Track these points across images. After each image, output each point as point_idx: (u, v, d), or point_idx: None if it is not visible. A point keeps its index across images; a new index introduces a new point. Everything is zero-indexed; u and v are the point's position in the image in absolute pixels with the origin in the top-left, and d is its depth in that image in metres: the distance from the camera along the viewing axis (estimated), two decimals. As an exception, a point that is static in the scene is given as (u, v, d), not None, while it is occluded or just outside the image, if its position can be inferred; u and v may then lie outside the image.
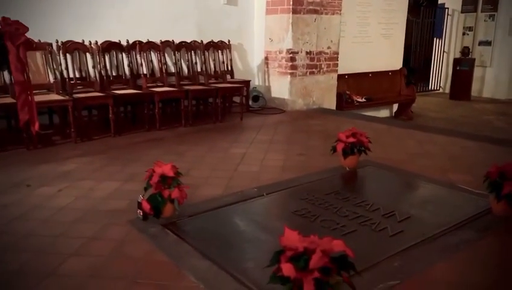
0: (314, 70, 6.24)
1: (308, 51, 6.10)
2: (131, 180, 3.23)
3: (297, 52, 6.01)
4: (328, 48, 6.33)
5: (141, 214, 2.53)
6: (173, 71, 5.44)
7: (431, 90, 11.51)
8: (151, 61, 5.33)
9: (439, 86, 11.54)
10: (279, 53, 6.11)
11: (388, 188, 3.27)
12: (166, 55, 5.42)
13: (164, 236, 2.36)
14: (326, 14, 6.18)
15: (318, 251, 1.60)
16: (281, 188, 3.11)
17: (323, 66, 6.33)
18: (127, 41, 5.11)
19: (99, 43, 4.86)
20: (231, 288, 1.88)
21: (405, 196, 3.12)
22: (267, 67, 6.36)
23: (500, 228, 2.49)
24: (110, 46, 4.94)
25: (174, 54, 5.38)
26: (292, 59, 5.97)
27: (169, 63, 5.48)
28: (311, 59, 6.17)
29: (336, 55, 6.45)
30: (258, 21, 6.36)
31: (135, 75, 5.17)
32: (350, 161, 3.50)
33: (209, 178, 3.33)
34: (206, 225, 2.54)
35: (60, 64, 4.65)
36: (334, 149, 3.48)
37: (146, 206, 2.47)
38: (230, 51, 6.01)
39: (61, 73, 4.65)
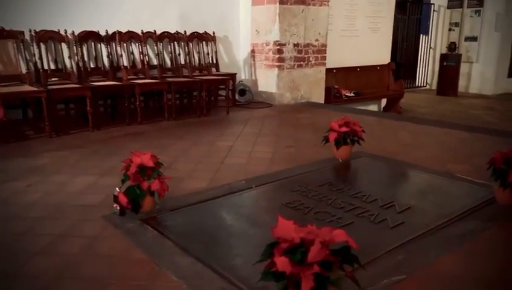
0: (302, 63, 6.05)
1: (295, 43, 5.91)
2: (108, 175, 2.99)
3: (284, 44, 5.81)
4: (316, 40, 6.15)
5: (118, 208, 2.29)
6: (155, 63, 5.20)
7: (418, 86, 11.45)
8: (132, 52, 5.07)
9: (426, 83, 11.50)
10: (266, 45, 5.91)
11: (384, 179, 3.09)
12: (148, 46, 5.17)
13: (143, 232, 2.13)
14: (314, 5, 6.00)
15: (317, 242, 1.39)
16: (271, 180, 2.90)
17: (311, 58, 6.15)
18: (106, 32, 4.85)
19: (76, 33, 4.59)
20: (217, 287, 1.66)
21: (403, 186, 2.95)
22: (254, 60, 6.16)
23: (506, 218, 2.32)
24: (87, 36, 4.67)
25: (156, 45, 5.13)
26: (279, 51, 5.78)
27: (151, 54, 5.24)
28: (299, 51, 5.99)
29: (324, 48, 6.28)
30: (243, 12, 6.15)
31: (115, 67, 4.90)
32: (343, 152, 3.31)
33: (194, 171, 3.11)
34: (190, 219, 2.32)
35: (34, 55, 4.36)
36: (326, 139, 3.29)
37: (123, 199, 2.24)
38: (215, 43, 5.79)
39: (35, 64, 4.37)
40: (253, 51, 6.14)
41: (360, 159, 3.38)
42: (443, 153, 3.57)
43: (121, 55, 4.86)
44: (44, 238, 2.06)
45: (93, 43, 4.78)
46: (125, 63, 4.93)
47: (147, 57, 5.07)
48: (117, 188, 2.29)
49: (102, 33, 4.82)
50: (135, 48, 5.06)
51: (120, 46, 4.87)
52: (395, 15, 8.35)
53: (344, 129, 3.23)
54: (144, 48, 5.03)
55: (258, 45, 6.05)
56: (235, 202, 2.55)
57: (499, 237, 2.15)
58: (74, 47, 4.59)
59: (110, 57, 4.84)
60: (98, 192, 2.67)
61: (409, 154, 3.54)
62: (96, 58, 4.82)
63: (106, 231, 2.15)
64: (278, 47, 5.76)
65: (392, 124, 4.76)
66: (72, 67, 4.56)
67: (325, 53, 6.32)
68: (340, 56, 7.09)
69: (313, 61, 6.19)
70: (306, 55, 6.08)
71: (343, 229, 1.46)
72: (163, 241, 2.05)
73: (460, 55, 10.25)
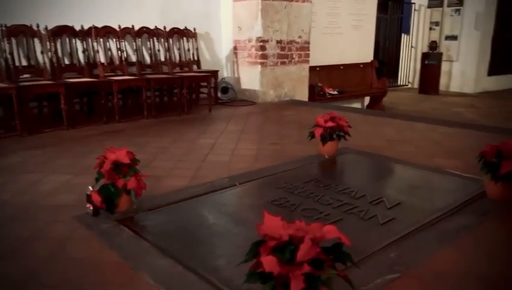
0: (285, 60, 5.95)
1: (278, 39, 5.81)
2: (83, 173, 2.81)
3: (267, 41, 5.70)
4: (299, 37, 6.06)
5: (91, 208, 2.13)
6: (134, 60, 5.02)
7: (400, 85, 11.49)
8: (110, 49, 4.88)
9: (408, 81, 11.55)
10: (249, 42, 5.78)
11: (372, 175, 3.00)
12: (126, 42, 4.99)
13: (118, 233, 1.98)
14: (297, 1, 5.91)
15: (307, 239, 1.27)
16: (255, 177, 2.78)
17: (294, 56, 6.05)
18: (82, 27, 4.66)
19: (49, 28, 4.38)
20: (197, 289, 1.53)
21: (392, 182, 2.85)
22: (236, 57, 6.03)
23: (499, 212, 2.24)
24: (61, 31, 4.47)
25: (135, 41, 4.96)
26: (262, 48, 5.66)
27: (130, 51, 5.06)
28: (282, 48, 5.88)
29: (307, 45, 6.19)
30: (225, 8, 6.02)
31: (91, 63, 4.71)
32: (329, 148, 3.21)
33: (174, 169, 2.96)
34: (169, 218, 2.18)
35: (5, 50, 4.14)
36: (312, 135, 3.18)
37: (96, 198, 2.08)
38: (196, 40, 5.64)
39: (6, 59, 4.15)
40: (235, 48, 6.01)
41: (347, 155, 3.29)
42: (430, 148, 3.51)
43: (97, 51, 4.67)
44: (12, 241, 1.89)
45: (67, 39, 4.58)
46: (102, 59, 4.74)
47: (125, 53, 4.90)
48: (90, 187, 2.14)
49: (78, 28, 4.62)
50: (112, 44, 4.87)
51: (96, 42, 4.68)
52: (377, 14, 8.34)
53: (330, 124, 3.13)
54: (122, 44, 4.85)
55: (240, 41, 5.93)
56: (217, 200, 2.42)
57: (494, 232, 2.07)
58: (47, 42, 4.38)
59: (86, 53, 4.65)
60: (71, 191, 2.50)
61: (395, 149, 3.46)
62: (71, 55, 4.62)
63: (78, 232, 1.99)
64: (261, 44, 5.65)
65: (377, 121, 4.69)
66: (44, 64, 4.35)
67: (309, 50, 6.23)
68: (324, 54, 7.02)
69: (297, 59, 6.10)
70: (289, 52, 5.98)
71: (333, 225, 1.35)
72: (140, 242, 1.90)
73: (441, 53, 10.31)
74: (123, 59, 4.84)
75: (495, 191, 2.34)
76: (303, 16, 6.04)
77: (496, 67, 10.66)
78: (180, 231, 2.03)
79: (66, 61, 4.60)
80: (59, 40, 4.49)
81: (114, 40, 4.84)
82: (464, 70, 10.43)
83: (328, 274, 1.29)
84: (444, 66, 10.43)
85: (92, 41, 4.68)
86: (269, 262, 1.23)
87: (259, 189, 2.64)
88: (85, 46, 4.64)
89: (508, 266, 1.75)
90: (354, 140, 3.48)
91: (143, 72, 4.95)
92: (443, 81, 10.53)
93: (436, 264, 1.72)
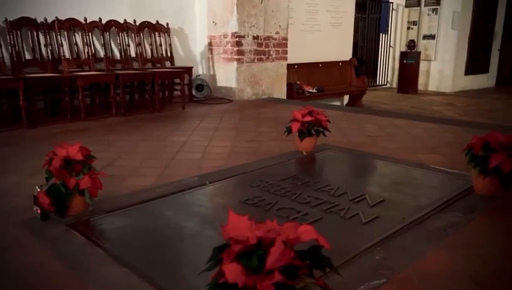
0: (262, 56, 5.76)
1: (255, 35, 5.61)
2: (38, 174, 2.53)
3: (243, 36, 5.50)
4: (277, 33, 5.88)
5: (38, 212, 1.88)
6: (103, 56, 4.75)
7: (378, 85, 11.45)
8: (76, 43, 4.60)
9: (387, 81, 11.52)
10: (224, 37, 5.57)
11: (353, 171, 2.83)
12: (94, 37, 4.72)
13: (67, 239, 1.74)
14: (274, -4, 5.74)
15: (279, 241, 1.07)
16: (227, 175, 2.56)
17: (272, 52, 5.87)
18: (45, 19, 4.36)
19: (8, 20, 4.08)
20: (154, 305, 1.31)
21: (374, 178, 2.68)
22: (211, 53, 5.81)
23: (488, 208, 2.09)
24: (21, 23, 4.17)
25: (103, 35, 4.68)
26: (238, 44, 5.46)
27: (98, 47, 4.78)
28: (259, 44, 5.69)
29: (285, 42, 6.02)
30: (199, 2, 5.79)
31: (56, 59, 4.42)
32: (307, 144, 3.02)
33: (140, 168, 2.72)
34: (130, 222, 1.94)
35: (-42, 43, 3.84)
36: (289, 130, 2.99)
37: (44, 200, 1.83)
38: (169, 35, 5.40)
39: (-41, 53, 3.84)
40: (210, 44, 5.79)
41: (326, 152, 3.11)
42: (412, 144, 3.36)
43: (62, 45, 4.38)
44: None
45: (29, 32, 4.28)
46: (67, 53, 4.45)
47: (92, 48, 4.62)
48: (37, 187, 1.89)
49: (41, 20, 4.32)
50: (79, 38, 4.59)
51: (60, 35, 4.39)
52: (355, 14, 8.24)
53: (308, 119, 2.95)
54: (87, 38, 4.57)
55: (215, 37, 5.71)
56: (185, 201, 2.20)
57: (484, 229, 1.90)
58: (7, 35, 4.07)
59: (50, 47, 4.36)
60: (21, 194, 2.24)
61: (376, 145, 3.30)
62: (33, 49, 4.32)
63: (21, 240, 1.74)
64: (237, 39, 5.44)
65: (356, 117, 4.54)
66: (3, 58, 4.04)
67: (286, 47, 6.06)
68: (302, 51, 6.86)
69: (274, 55, 5.91)
70: (266, 49, 5.79)
71: (310, 225, 1.15)
72: (92, 249, 1.67)
73: (419, 52, 10.30)
74: (90, 54, 4.56)
75: (483, 186, 2.19)
76: (280, 11, 5.86)
77: (472, 67, 10.72)
78: (141, 235, 1.80)
79: (28, 56, 4.31)
80: (19, 33, 4.18)
81: (80, 33, 4.56)
82: (442, 70, 10.45)
83: (303, 283, 1.09)
84: (422, 66, 10.43)
85: (55, 35, 4.39)
86: (232, 271, 1.02)
87: (232, 188, 2.43)
88: (48, 39, 4.35)
89: (500, 265, 1.59)
90: (334, 136, 3.32)
91: (112, 68, 4.69)
92: (421, 80, 10.52)
93: (425, 266, 1.54)
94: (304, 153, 3.03)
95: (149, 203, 2.13)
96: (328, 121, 3.02)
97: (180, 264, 1.58)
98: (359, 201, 2.14)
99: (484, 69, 11.22)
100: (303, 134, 2.97)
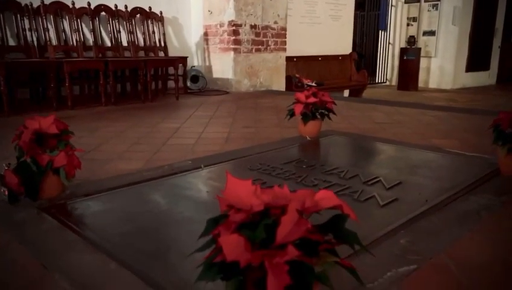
0: (260, 47, 5.52)
1: (252, 24, 5.38)
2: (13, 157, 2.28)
3: (240, 25, 5.26)
4: (275, 22, 5.64)
5: (6, 193, 1.62)
6: (92, 43, 4.49)
7: (378, 83, 11.23)
8: (64, 30, 4.34)
9: (386, 79, 11.30)
10: (220, 26, 5.33)
11: (363, 155, 2.58)
12: (83, 24, 4.46)
13: (37, 223, 1.48)
14: (272, -16, 5.51)
15: (292, 209, 0.82)
16: (224, 159, 2.31)
17: (270, 43, 5.63)
18: (30, 3, 4.10)
19: (-10, 2, 3.83)
20: (133, 296, 1.05)
21: (387, 161, 2.42)
22: (207, 44, 5.56)
23: (520, 191, 1.84)
24: (4, 6, 3.91)
25: (92, 21, 4.43)
26: (235, 32, 5.22)
27: (88, 34, 4.52)
28: (257, 34, 5.45)
29: (283, 32, 5.78)
30: (194, -10, 5.56)
31: (42, 45, 4.16)
32: (311, 128, 2.77)
33: (127, 152, 2.46)
34: (111, 206, 1.68)
35: None
36: (292, 113, 2.75)
37: (12, 179, 1.57)
38: (163, 24, 5.15)
39: None
40: (206, 34, 5.55)
41: (332, 137, 2.86)
42: (424, 130, 3.12)
43: (47, 30, 4.12)
44: None
45: (13, 16, 4.02)
46: (55, 41, 4.19)
47: (81, 34, 4.36)
48: (4, 165, 1.63)
49: (25, 3, 4.06)
50: (66, 24, 4.33)
51: (46, 20, 4.13)
52: (354, 12, 8.02)
53: (312, 100, 2.70)
54: (76, 23, 4.31)
55: (211, 26, 5.46)
56: (176, 184, 1.94)
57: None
58: (-12, 18, 3.82)
59: (36, 33, 4.10)
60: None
61: (386, 131, 3.06)
62: (17, 34, 4.06)
63: (-18, 224, 1.48)
64: (234, 28, 5.20)
65: (361, 106, 4.30)
66: (-16, 42, 3.79)
67: (285, 37, 5.82)
68: (301, 44, 6.63)
69: (272, 46, 5.67)
70: (264, 39, 5.55)
71: (330, 190, 0.90)
72: (64, 234, 1.41)
73: (420, 49, 10.10)
74: (78, 40, 4.30)
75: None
76: (279, 0, 5.63)
77: (473, 64, 10.53)
78: (124, 220, 1.54)
79: (12, 42, 4.04)
80: (2, 17, 3.92)
81: (67, 18, 4.30)
82: (443, 66, 10.25)
83: (325, 263, 0.83)
84: (423, 62, 10.21)
85: (41, 20, 4.14)
86: (232, 245, 0.77)
87: (229, 171, 2.17)
88: (34, 25, 4.09)
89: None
90: (339, 124, 3.09)
91: (103, 56, 4.43)
92: (422, 77, 10.31)
93: (461, 252, 1.29)
94: (308, 138, 2.78)
95: (134, 186, 1.88)
96: (334, 103, 2.78)
97: (167, 251, 1.32)
98: (373, 183, 1.89)
99: (485, 66, 11.03)
100: (307, 117, 2.72)
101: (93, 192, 1.78)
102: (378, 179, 1.94)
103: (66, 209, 1.63)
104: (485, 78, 11.10)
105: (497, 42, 11.16)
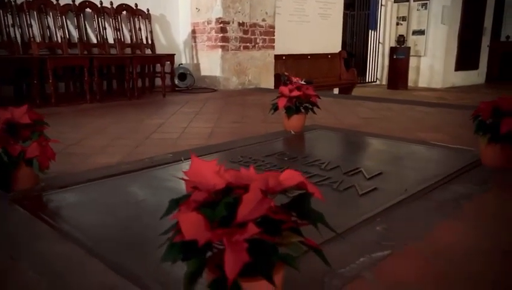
0: (248, 44, 5.50)
1: (240, 22, 5.36)
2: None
3: (228, 23, 5.24)
4: (263, 20, 5.63)
5: (-23, 185, 1.59)
6: (77, 40, 4.44)
7: (368, 82, 11.26)
8: (48, 26, 4.29)
9: (376, 78, 11.34)
10: (208, 24, 5.31)
11: (346, 148, 2.57)
12: (68, 21, 4.41)
13: (8, 214, 1.45)
14: (260, -19, 5.49)
15: (255, 187, 0.80)
16: (207, 152, 2.29)
17: (258, 40, 5.61)
18: (14, 0, 4.05)
19: (-28, -2, 3.78)
20: (97, 283, 1.02)
21: (369, 154, 2.42)
22: (195, 41, 5.53)
23: (499, 180, 1.84)
24: (-13, 2, 3.86)
25: (77, 18, 4.38)
26: (223, 30, 5.19)
27: (73, 31, 4.47)
28: (245, 32, 5.43)
29: (272, 30, 5.77)
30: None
31: (26, 42, 4.11)
32: (295, 122, 2.76)
33: (108, 147, 2.43)
34: (87, 197, 1.65)
35: None
36: (275, 107, 2.73)
37: (-17, 171, 1.54)
38: (150, 22, 5.11)
39: None
40: (194, 32, 5.52)
41: (316, 131, 2.85)
42: (411, 124, 3.12)
43: (31, 26, 4.07)
44: None
45: (-5, 12, 3.97)
46: (39, 38, 4.14)
47: (66, 31, 4.31)
48: (-25, 156, 1.59)
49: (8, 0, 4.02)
50: (51, 21, 4.28)
51: (30, 17, 4.08)
52: (344, 11, 8.03)
53: (296, 93, 2.69)
54: (60, 20, 4.26)
55: (199, 24, 5.44)
56: (155, 176, 1.91)
57: (498, 201, 1.65)
58: (-30, 14, 3.77)
59: (20, 30, 4.05)
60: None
61: (372, 126, 3.06)
62: (0, 31, 4.00)
63: (-49, 215, 1.44)
64: (221, 25, 5.18)
65: (349, 103, 4.29)
66: (-35, 38, 3.73)
67: (273, 35, 5.81)
68: (290, 42, 6.62)
69: (261, 44, 5.66)
70: (253, 36, 5.54)
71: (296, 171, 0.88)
72: (36, 225, 1.38)
73: (409, 48, 10.15)
74: (63, 37, 4.26)
75: (493, 156, 1.95)
76: (267, -3, 5.62)
77: (462, 63, 10.60)
78: (99, 212, 1.51)
79: (-4, 39, 3.99)
80: (-16, 13, 3.88)
81: (52, 15, 4.25)
82: (432, 65, 10.30)
83: (289, 243, 0.81)
84: (412, 62, 10.26)
85: (25, 16, 4.09)
86: (190, 224, 0.75)
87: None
88: (18, 21, 4.04)
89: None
90: (324, 119, 3.09)
91: (89, 54, 4.38)
92: (411, 76, 10.35)
93: (437, 238, 1.28)
94: (292, 132, 2.76)
95: (112, 178, 1.85)
96: (318, 97, 2.77)
97: (140, 240, 1.29)
98: (354, 174, 1.88)
99: (474, 65, 11.11)
100: (291, 110, 2.71)
101: (69, 184, 1.75)
102: (359, 169, 1.93)
103: (40, 201, 1.60)
104: (474, 77, 11.18)
105: (485, 41, 11.24)
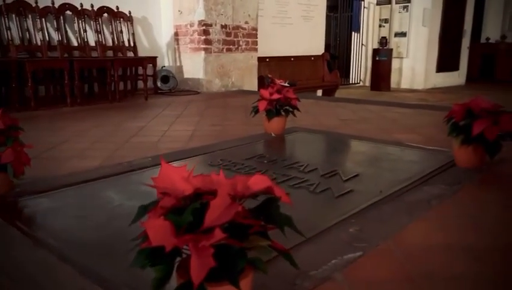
0: (231, 47, 5.51)
1: (223, 24, 5.37)
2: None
3: (211, 25, 5.24)
4: (246, 22, 5.65)
5: (-50, 191, 1.57)
6: (57, 42, 4.39)
7: (351, 83, 11.37)
8: (27, 29, 4.24)
9: (360, 80, 11.45)
10: (191, 26, 5.30)
11: (325, 150, 2.60)
12: (48, 23, 4.36)
13: (-21, 221, 1.43)
14: (242, -16, 5.51)
15: (222, 192, 0.81)
16: (186, 156, 2.29)
17: (241, 42, 5.63)
18: (-9, 2, 4.00)
19: None
20: (70, 286, 1.02)
21: (347, 155, 2.45)
22: (178, 44, 5.52)
23: (472, 180, 1.89)
24: (-37, 4, 3.80)
25: (57, 20, 4.33)
26: (205, 32, 5.19)
27: (53, 34, 4.42)
28: (228, 34, 5.44)
29: (254, 32, 5.79)
30: (164, -10, 5.51)
31: (5, 45, 4.05)
32: (276, 125, 2.78)
33: (86, 150, 2.41)
34: (63, 203, 1.64)
35: None
36: (256, 110, 2.75)
37: (-45, 177, 1.52)
38: (132, 24, 5.08)
39: None
40: (176, 34, 5.51)
41: (296, 133, 2.87)
42: (388, 125, 3.17)
43: (9, 29, 4.01)
44: None
45: (-28, 14, 3.91)
46: (18, 41, 4.09)
47: (46, 34, 4.26)
48: None
49: (-15, 2, 3.96)
50: (30, 24, 4.23)
51: (8, 19, 4.02)
52: (327, 14, 8.09)
53: (276, 96, 2.71)
54: (39, 23, 4.21)
55: (181, 26, 5.43)
56: (133, 180, 1.91)
57: (470, 201, 1.69)
58: None
59: (-3, 32, 3.99)
60: None
61: (350, 127, 3.10)
62: (-22, 33, 3.95)
63: None
64: (204, 27, 5.18)
65: (329, 105, 4.34)
66: None
67: (256, 38, 5.83)
68: (273, 45, 6.64)
69: (244, 46, 5.68)
70: (235, 39, 5.55)
71: (265, 175, 0.90)
72: (6, 231, 1.37)
73: (392, 49, 10.28)
74: (42, 40, 4.21)
75: (466, 156, 1.99)
76: (249, 0, 5.64)
77: (443, 64, 10.77)
78: (73, 216, 1.51)
79: (-28, 42, 3.93)
80: (-40, 15, 3.81)
81: (31, 17, 4.20)
82: (414, 67, 10.45)
83: (257, 247, 0.83)
84: (395, 63, 10.40)
85: (3, 19, 4.03)
86: (157, 230, 0.76)
87: (190, 167, 2.15)
88: (-5, 24, 3.98)
89: (490, 236, 1.36)
90: (304, 120, 3.11)
91: (69, 56, 4.34)
92: (394, 78, 10.49)
93: (407, 238, 1.31)
94: (273, 134, 2.78)
95: (89, 183, 1.84)
96: (298, 100, 2.80)
97: (114, 244, 1.29)
98: (331, 176, 1.91)
99: (454, 67, 11.30)
100: (271, 113, 2.73)
101: (45, 189, 1.73)
102: (336, 172, 1.96)
103: (14, 207, 1.58)
104: (455, 78, 11.37)
105: (465, 43, 11.45)
